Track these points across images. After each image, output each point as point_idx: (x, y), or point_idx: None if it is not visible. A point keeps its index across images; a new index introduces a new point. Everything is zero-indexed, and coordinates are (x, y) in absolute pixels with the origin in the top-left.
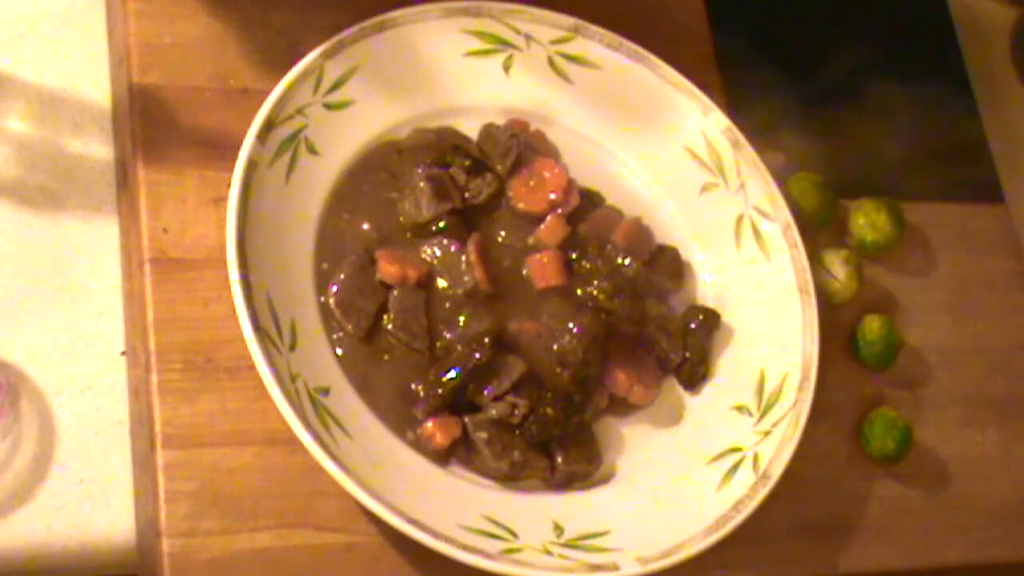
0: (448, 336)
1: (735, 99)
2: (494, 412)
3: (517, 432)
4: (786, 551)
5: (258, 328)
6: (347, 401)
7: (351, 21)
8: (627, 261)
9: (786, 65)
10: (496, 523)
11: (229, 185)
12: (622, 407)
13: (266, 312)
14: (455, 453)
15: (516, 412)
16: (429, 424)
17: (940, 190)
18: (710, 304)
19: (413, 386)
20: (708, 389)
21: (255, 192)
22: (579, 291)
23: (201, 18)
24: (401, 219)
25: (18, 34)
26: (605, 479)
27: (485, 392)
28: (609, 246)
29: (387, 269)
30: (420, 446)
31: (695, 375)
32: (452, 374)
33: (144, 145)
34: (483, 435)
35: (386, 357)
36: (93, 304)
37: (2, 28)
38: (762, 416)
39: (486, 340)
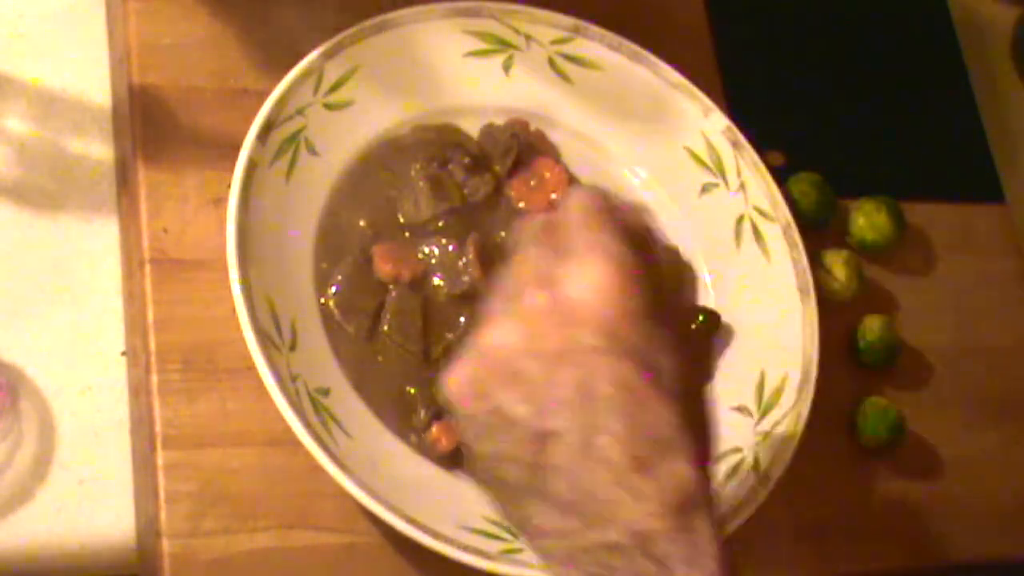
0: (449, 336)
1: (735, 99)
2: None
3: None
4: (786, 551)
5: (258, 328)
6: (347, 401)
7: (351, 21)
8: None
9: (786, 65)
10: (496, 523)
11: (229, 185)
12: None
13: (266, 312)
14: (458, 458)
15: None
16: (434, 429)
17: (940, 190)
18: (710, 304)
19: (410, 389)
20: (708, 389)
21: (255, 192)
22: None
23: (201, 18)
24: (400, 218)
25: (18, 34)
26: None
27: None
28: None
29: (381, 267)
30: (425, 450)
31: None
32: None
33: (144, 145)
34: None
35: (380, 359)
36: (93, 304)
37: (2, 28)
38: (762, 417)
39: None
